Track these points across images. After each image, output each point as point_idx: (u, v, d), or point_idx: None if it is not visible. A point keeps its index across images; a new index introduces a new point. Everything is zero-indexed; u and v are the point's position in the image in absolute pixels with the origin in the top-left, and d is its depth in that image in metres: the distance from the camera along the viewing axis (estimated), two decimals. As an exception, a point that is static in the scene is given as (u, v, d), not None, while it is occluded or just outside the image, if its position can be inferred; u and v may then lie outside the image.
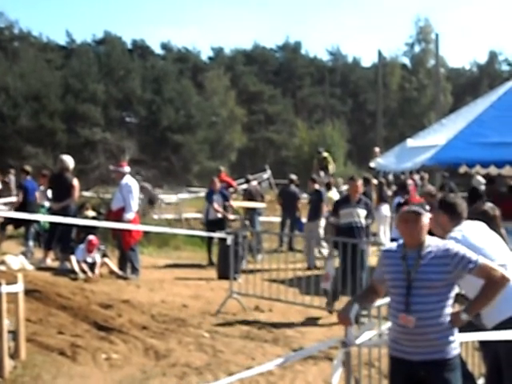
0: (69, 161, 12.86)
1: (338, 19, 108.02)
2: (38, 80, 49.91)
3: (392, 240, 12.20)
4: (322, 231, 15.75)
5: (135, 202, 12.62)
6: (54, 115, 49.20)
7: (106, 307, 9.72)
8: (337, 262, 10.30)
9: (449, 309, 4.52)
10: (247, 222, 16.47)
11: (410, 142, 13.82)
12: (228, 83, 59.47)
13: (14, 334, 7.27)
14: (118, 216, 12.29)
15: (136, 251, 12.71)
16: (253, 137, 61.03)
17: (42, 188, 15.05)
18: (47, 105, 49.15)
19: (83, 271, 12.02)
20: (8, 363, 6.92)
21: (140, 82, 54.08)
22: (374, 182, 17.71)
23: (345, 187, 22.65)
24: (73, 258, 12.20)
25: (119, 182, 12.71)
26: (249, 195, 18.56)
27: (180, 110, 53.67)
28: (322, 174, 22.33)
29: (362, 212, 10.91)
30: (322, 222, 15.81)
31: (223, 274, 12.56)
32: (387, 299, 6.22)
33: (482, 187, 15.39)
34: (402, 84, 64.82)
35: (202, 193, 28.28)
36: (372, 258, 14.01)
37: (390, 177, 15.15)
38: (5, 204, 17.68)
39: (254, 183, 20.80)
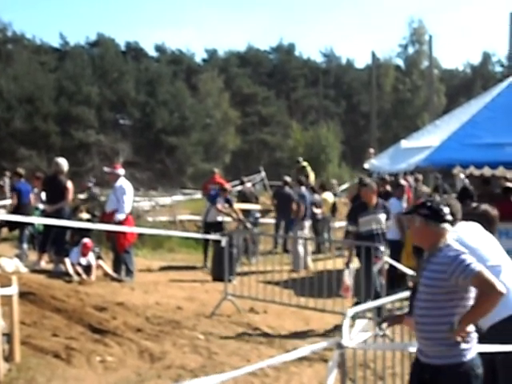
0: (64, 164, 12.84)
1: (331, 21, 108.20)
2: (32, 82, 49.88)
3: (388, 241, 12.21)
4: (306, 232, 16.17)
5: (129, 204, 12.61)
6: (47, 117, 49.18)
7: (101, 310, 9.69)
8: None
9: (454, 317, 4.36)
10: (249, 224, 16.27)
11: (404, 144, 13.83)
12: (222, 85, 59.50)
13: (9, 336, 7.24)
14: (112, 218, 12.28)
15: (130, 253, 12.69)
16: (247, 139, 61.06)
17: (35, 190, 15.01)
18: (41, 107, 49.12)
19: (78, 274, 11.99)
20: (2, 366, 6.90)
21: (134, 84, 54.11)
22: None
23: (340, 188, 22.72)
24: (67, 260, 12.17)
25: (113, 184, 12.70)
26: (243, 197, 18.57)
27: (174, 112, 53.70)
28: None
29: (382, 217, 10.54)
30: (307, 224, 16.25)
31: (218, 276, 12.55)
32: (381, 301, 6.23)
33: (467, 181, 15.45)
34: (396, 85, 64.95)
35: (197, 195, 28.31)
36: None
37: (387, 177, 15.19)
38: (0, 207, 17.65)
39: (249, 185, 20.81)
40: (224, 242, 10.89)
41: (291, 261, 14.97)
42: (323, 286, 9.76)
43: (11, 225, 14.20)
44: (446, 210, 4.54)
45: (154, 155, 50.79)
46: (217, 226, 14.92)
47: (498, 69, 69.65)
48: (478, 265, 4.33)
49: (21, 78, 49.91)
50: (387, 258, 9.43)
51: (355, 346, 5.16)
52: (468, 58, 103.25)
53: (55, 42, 63.84)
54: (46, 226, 12.57)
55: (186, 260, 16.43)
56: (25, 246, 14.32)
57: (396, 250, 11.67)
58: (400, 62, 67.52)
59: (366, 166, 15.98)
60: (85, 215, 15.30)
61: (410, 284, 6.38)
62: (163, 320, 9.49)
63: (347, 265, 10.02)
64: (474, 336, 4.47)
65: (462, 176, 15.25)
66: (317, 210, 18.19)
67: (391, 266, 10.16)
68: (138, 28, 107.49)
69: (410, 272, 9.66)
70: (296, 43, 71.30)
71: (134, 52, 65.00)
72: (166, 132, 52.35)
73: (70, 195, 12.88)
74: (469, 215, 5.59)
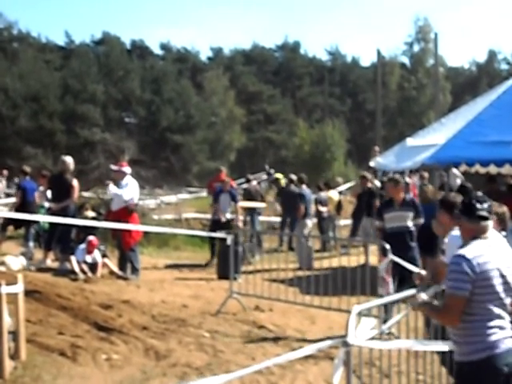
0: (70, 162, 12.88)
1: (336, 19, 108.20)
2: (37, 81, 49.96)
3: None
4: (306, 231, 16.77)
5: (134, 200, 12.64)
6: (53, 116, 49.26)
7: (106, 308, 9.70)
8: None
9: (467, 316, 4.46)
10: (240, 224, 16.12)
11: (410, 141, 13.80)
12: (227, 83, 59.52)
13: (14, 334, 7.25)
14: (117, 216, 12.28)
15: (136, 251, 12.70)
16: (252, 137, 61.08)
17: (41, 188, 15.03)
18: (46, 105, 49.20)
19: (83, 272, 12.00)
20: (8, 364, 6.91)
21: (139, 83, 54.14)
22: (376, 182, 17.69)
23: (345, 187, 22.69)
24: (73, 258, 12.19)
25: (119, 182, 12.70)
26: (248, 195, 18.57)
27: (179, 110, 53.74)
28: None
29: (408, 214, 10.28)
30: (309, 222, 17.14)
31: (223, 274, 12.54)
32: (385, 299, 6.22)
33: (458, 181, 15.36)
34: (401, 83, 64.87)
35: (202, 193, 28.33)
36: (372, 258, 14.01)
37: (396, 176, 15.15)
38: (5, 205, 17.67)
39: (254, 183, 20.81)
40: (229, 240, 10.88)
41: (296, 259, 14.96)
42: (328, 283, 9.75)
43: (17, 223, 14.22)
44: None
45: (159, 153, 50.83)
46: (224, 224, 14.89)
47: (504, 66, 69.64)
48: (454, 286, 4.42)
49: (26, 77, 50.00)
50: (393, 256, 9.39)
51: (361, 344, 5.15)
52: (474, 56, 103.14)
53: (60, 41, 64.19)
54: (52, 224, 12.59)
55: (191, 258, 16.43)
56: (31, 244, 14.35)
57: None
58: (405, 60, 67.54)
59: (372, 163, 15.95)
60: (90, 213, 15.32)
61: (417, 282, 6.35)
62: (169, 318, 9.49)
63: (380, 260, 9.65)
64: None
65: (456, 171, 15.15)
66: (322, 208, 18.19)
67: (396, 263, 10.12)
68: (144, 26, 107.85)
69: (415, 270, 9.63)
70: (301, 41, 71.86)
71: (140, 50, 65.11)
72: (171, 130, 52.38)
73: (76, 193, 12.90)
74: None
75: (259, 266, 12.53)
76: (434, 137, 12.84)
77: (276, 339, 8.80)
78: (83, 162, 39.05)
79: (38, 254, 13.79)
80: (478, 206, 4.54)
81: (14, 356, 7.19)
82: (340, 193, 20.57)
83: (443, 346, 5.45)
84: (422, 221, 10.47)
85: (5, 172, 24.61)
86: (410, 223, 10.31)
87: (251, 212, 17.93)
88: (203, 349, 8.19)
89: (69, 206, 12.54)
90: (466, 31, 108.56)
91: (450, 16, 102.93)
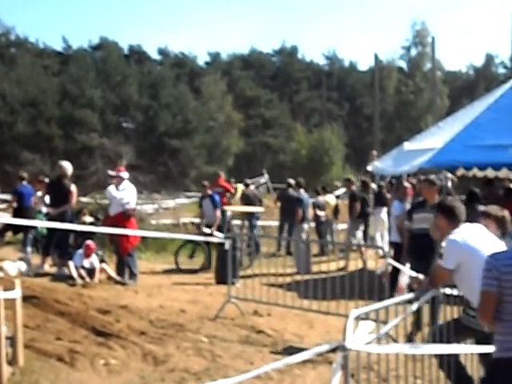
0: (68, 167, 12.88)
1: (334, 23, 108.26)
2: (35, 86, 49.91)
3: (391, 243, 12.17)
4: (304, 235, 16.82)
5: (131, 205, 12.63)
6: (50, 121, 49.20)
7: (104, 313, 9.70)
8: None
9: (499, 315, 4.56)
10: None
11: (407, 145, 13.81)
12: (225, 88, 59.49)
13: (12, 340, 7.24)
14: (115, 221, 12.28)
15: (134, 256, 12.70)
16: (250, 141, 61.04)
17: (39, 194, 15.02)
18: (44, 111, 49.14)
19: (81, 277, 12.00)
20: (6, 370, 6.90)
21: (137, 88, 54.10)
22: (373, 185, 17.72)
23: (342, 191, 22.70)
24: (71, 263, 12.19)
25: (118, 188, 12.70)
26: (247, 200, 18.57)
27: (177, 115, 53.69)
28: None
29: None
30: (306, 226, 17.16)
31: (221, 279, 12.53)
32: (385, 303, 6.22)
33: (449, 183, 15.37)
34: (399, 87, 64.88)
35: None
36: (370, 262, 14.01)
37: (393, 180, 15.16)
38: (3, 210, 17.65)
39: (252, 187, 20.82)
40: (227, 244, 10.87)
41: (294, 263, 14.96)
42: (327, 288, 9.74)
43: (15, 228, 14.21)
44: None
45: (157, 158, 50.79)
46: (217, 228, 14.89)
47: (501, 70, 69.63)
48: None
49: (24, 82, 49.95)
50: (390, 260, 9.38)
51: (359, 349, 5.14)
52: (471, 60, 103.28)
53: (58, 46, 63.88)
54: (50, 230, 12.59)
55: (189, 263, 16.39)
56: (29, 249, 14.33)
57: (400, 252, 11.61)
58: (403, 64, 67.55)
59: (370, 168, 15.97)
60: (88, 218, 15.32)
61: (415, 286, 6.35)
62: (167, 323, 9.49)
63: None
64: None
65: (449, 175, 15.15)
66: (320, 213, 18.20)
67: (394, 267, 10.10)
68: (141, 31, 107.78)
69: (413, 274, 9.61)
70: (299, 46, 71.50)
71: (137, 55, 65.04)
72: (169, 135, 52.33)
73: (74, 199, 12.90)
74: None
75: (257, 271, 12.53)
76: (432, 141, 12.85)
77: (274, 344, 8.80)
78: (81, 168, 39.03)
79: (36, 260, 13.78)
80: None
81: (12, 362, 7.18)
82: (337, 197, 20.60)
83: (441, 350, 5.45)
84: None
85: None
86: None
87: (249, 216, 17.94)
88: (201, 354, 8.18)
89: (67, 211, 12.54)
90: (463, 35, 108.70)
91: (447, 20, 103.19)
